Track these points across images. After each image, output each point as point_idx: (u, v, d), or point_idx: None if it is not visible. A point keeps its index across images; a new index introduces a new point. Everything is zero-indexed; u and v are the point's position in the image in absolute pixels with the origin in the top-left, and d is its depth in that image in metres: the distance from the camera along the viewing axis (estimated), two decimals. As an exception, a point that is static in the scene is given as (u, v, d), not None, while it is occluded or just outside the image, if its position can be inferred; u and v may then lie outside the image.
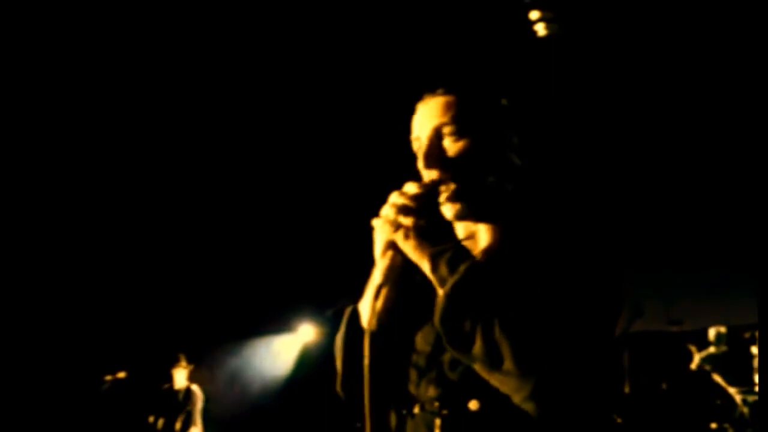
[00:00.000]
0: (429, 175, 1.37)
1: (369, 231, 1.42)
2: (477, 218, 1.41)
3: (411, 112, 1.52)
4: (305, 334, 9.07)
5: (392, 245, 1.33)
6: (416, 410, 1.36)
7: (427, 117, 1.41)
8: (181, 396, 6.88)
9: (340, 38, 5.21)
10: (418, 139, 1.42)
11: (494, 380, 1.19)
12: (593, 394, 1.23)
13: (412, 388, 1.38)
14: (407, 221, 1.31)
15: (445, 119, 1.38)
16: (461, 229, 1.46)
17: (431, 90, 1.44)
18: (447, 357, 1.32)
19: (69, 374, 7.28)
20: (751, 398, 5.34)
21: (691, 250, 7.05)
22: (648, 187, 6.82)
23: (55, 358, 7.48)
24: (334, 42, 5.27)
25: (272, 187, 6.92)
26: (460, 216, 1.39)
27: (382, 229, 1.34)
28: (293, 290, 8.13)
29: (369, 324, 1.33)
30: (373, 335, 1.34)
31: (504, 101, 1.43)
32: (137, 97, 5.86)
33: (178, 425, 6.72)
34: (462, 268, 1.23)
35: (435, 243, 1.29)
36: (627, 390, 5.75)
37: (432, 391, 1.33)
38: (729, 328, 5.78)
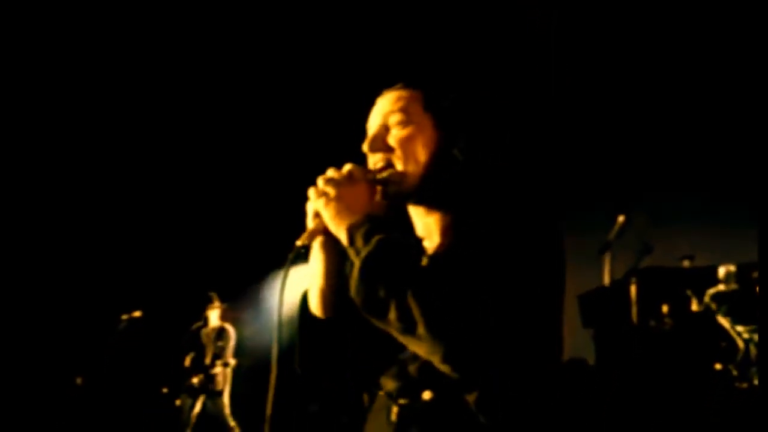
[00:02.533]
0: (372, 159, 1.46)
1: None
2: (409, 201, 1.48)
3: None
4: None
5: (318, 213, 1.42)
6: (379, 393, 1.46)
7: (380, 108, 1.48)
8: (214, 334, 6.96)
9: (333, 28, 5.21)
10: (370, 127, 1.49)
11: (411, 345, 1.28)
12: (517, 360, 1.29)
13: (377, 376, 1.47)
14: (330, 191, 1.38)
15: (394, 108, 1.45)
16: (419, 225, 1.51)
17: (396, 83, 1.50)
18: (409, 353, 1.39)
19: (85, 314, 7.44)
20: (757, 337, 5.35)
21: (704, 184, 6.97)
22: (665, 122, 6.72)
23: (73, 298, 7.66)
24: (326, 33, 5.28)
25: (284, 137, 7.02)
26: (389, 196, 1.45)
27: (312, 198, 1.43)
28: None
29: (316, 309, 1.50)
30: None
31: (467, 99, 1.47)
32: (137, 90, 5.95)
33: (207, 360, 6.85)
34: (375, 239, 1.30)
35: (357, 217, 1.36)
36: (635, 321, 5.78)
37: (392, 385, 1.43)
38: (738, 267, 5.74)
